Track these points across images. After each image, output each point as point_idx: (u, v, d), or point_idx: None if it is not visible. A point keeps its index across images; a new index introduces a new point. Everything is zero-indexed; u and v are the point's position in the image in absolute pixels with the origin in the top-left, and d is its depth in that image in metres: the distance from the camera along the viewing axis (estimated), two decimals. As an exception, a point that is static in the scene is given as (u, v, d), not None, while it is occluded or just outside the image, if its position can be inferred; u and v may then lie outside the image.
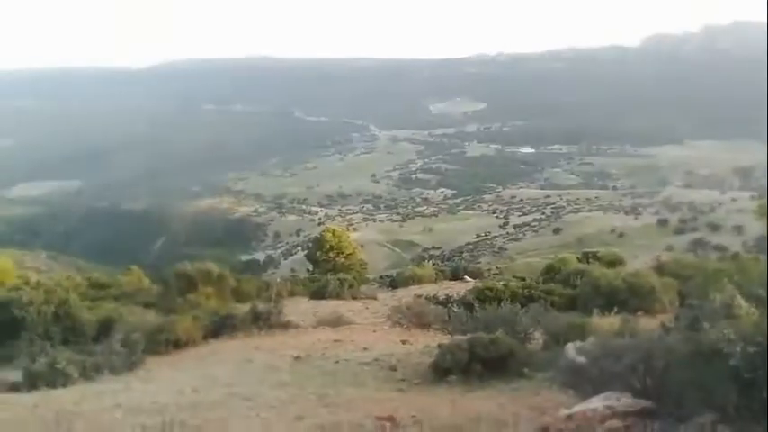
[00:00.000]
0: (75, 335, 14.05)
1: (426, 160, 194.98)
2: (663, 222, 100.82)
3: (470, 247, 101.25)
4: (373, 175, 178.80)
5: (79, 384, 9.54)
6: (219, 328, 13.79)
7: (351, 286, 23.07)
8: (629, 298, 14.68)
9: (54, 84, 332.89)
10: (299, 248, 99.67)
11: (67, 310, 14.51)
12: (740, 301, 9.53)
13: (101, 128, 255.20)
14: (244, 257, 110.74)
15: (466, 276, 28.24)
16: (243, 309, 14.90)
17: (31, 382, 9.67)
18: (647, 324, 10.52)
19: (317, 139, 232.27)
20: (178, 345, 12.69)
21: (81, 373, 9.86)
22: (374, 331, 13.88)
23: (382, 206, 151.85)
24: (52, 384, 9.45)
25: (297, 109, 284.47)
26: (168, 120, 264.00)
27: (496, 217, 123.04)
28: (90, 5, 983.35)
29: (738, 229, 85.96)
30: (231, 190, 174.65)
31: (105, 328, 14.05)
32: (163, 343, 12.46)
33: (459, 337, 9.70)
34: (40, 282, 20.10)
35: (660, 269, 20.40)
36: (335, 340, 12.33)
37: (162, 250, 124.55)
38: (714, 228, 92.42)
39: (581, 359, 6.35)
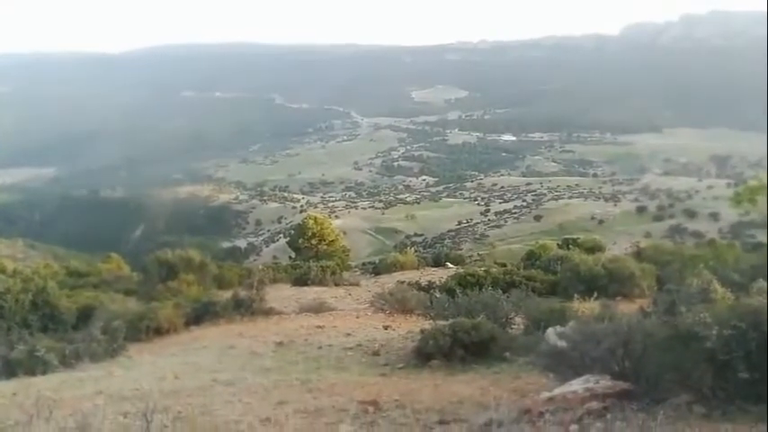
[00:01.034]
0: (54, 323, 13.92)
1: (408, 147, 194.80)
2: (641, 209, 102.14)
3: (452, 233, 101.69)
4: (355, 163, 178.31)
5: (59, 372, 9.45)
6: (201, 315, 13.73)
7: (333, 273, 23.05)
8: (609, 283, 14.90)
9: (31, 69, 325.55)
10: (281, 236, 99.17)
11: (46, 298, 14.35)
12: (716, 285, 9.74)
13: (78, 114, 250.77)
14: (225, 245, 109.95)
15: (448, 263, 28.39)
16: (225, 296, 14.85)
17: (10, 370, 9.56)
18: (626, 309, 10.71)
19: (298, 126, 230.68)
20: (160, 332, 12.62)
21: (61, 361, 9.77)
22: (357, 317, 13.92)
23: (364, 193, 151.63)
24: (31, 372, 9.35)
25: (278, 96, 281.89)
26: (147, 106, 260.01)
27: (478, 204, 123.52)
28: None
29: (714, 216, 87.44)
30: (212, 177, 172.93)
31: (85, 316, 13.93)
32: (144, 330, 12.38)
33: (441, 323, 9.77)
34: (18, 270, 19.83)
35: (639, 255, 20.74)
36: (318, 326, 12.35)
37: (142, 238, 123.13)
38: (691, 214, 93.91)
39: (561, 343, 6.44)
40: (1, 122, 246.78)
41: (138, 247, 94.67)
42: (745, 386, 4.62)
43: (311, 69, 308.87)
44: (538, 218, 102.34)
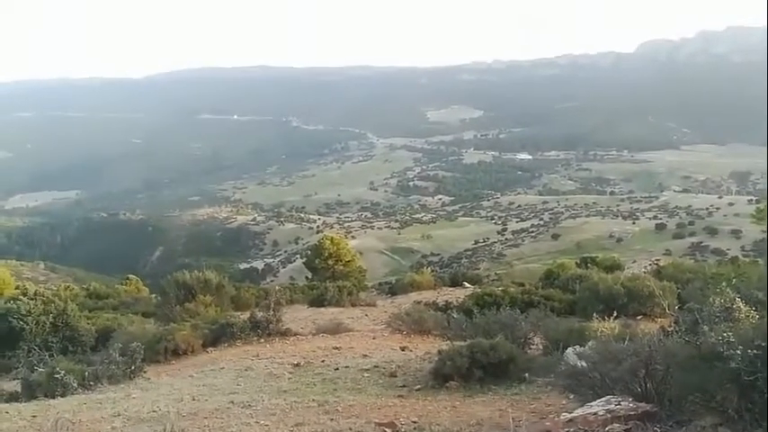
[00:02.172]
0: (73, 344, 14.03)
1: (424, 167, 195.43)
2: (661, 227, 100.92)
3: (469, 253, 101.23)
4: (371, 183, 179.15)
5: (78, 394, 9.50)
6: (218, 336, 13.74)
7: (350, 293, 22.96)
8: (629, 302, 14.65)
9: (52, 94, 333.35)
10: (298, 256, 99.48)
11: (66, 320, 14.50)
12: (739, 304, 9.52)
13: (99, 138, 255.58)
14: (242, 266, 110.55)
15: (465, 282, 28.17)
16: (242, 317, 14.85)
17: (30, 392, 9.64)
18: (647, 328, 10.51)
19: (314, 147, 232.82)
20: (177, 353, 12.63)
21: (80, 383, 9.82)
22: (374, 338, 13.83)
23: (380, 213, 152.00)
24: (51, 394, 9.41)
25: (294, 118, 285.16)
26: (166, 129, 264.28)
27: (495, 223, 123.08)
28: (88, 17, 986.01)
29: (736, 233, 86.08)
30: (229, 199, 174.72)
31: (104, 338, 14.02)
32: (162, 352, 12.40)
33: (458, 343, 9.67)
34: (39, 292, 20.07)
35: (659, 273, 20.40)
36: (335, 347, 12.29)
37: (160, 260, 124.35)
38: (712, 232, 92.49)
39: (581, 364, 6.35)
40: (23, 147, 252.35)
41: (156, 269, 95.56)
42: (773, 408, 4.50)
43: (327, 91, 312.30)
44: (555, 236, 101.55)
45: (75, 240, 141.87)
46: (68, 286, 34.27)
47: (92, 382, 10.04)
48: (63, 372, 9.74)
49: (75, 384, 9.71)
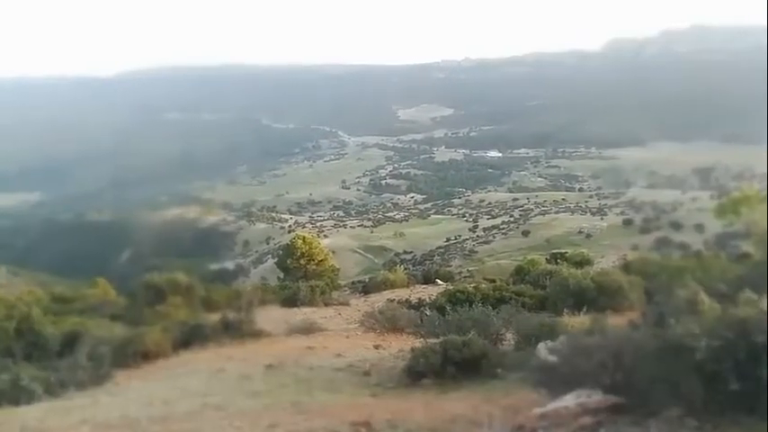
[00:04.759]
0: (38, 350, 13.67)
1: (396, 166, 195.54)
2: (628, 222, 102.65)
3: (441, 250, 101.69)
4: (343, 182, 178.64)
5: (44, 401, 9.27)
6: (190, 338, 13.55)
7: (323, 293, 22.92)
8: (598, 297, 14.91)
9: (14, 93, 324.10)
10: (270, 256, 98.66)
11: (30, 326, 14.11)
12: (703, 296, 9.77)
13: (63, 138, 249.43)
14: (213, 266, 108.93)
15: (437, 280, 28.39)
16: (213, 318, 14.68)
17: (-6, 400, 9.36)
18: (616, 322, 10.72)
19: (285, 146, 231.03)
20: (147, 357, 12.42)
21: (46, 390, 9.58)
22: (347, 337, 13.82)
23: (353, 212, 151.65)
24: (15, 402, 9.16)
25: (264, 116, 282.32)
26: (133, 129, 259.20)
27: (466, 220, 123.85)
28: (51, 12, 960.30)
29: (699, 228, 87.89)
30: (199, 199, 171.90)
31: (70, 343, 13.69)
32: (131, 355, 12.18)
33: (432, 341, 9.72)
34: (1, 297, 19.52)
35: (627, 268, 20.79)
36: (308, 347, 12.25)
37: (129, 262, 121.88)
38: (676, 227, 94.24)
39: (552, 358, 6.43)
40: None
41: (125, 271, 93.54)
42: (736, 398, 4.62)
43: (298, 89, 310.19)
44: (525, 233, 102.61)
45: (39, 244, 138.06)
46: (32, 290, 33.38)
47: (58, 389, 9.81)
48: (27, 378, 9.50)
49: (41, 391, 9.47)
